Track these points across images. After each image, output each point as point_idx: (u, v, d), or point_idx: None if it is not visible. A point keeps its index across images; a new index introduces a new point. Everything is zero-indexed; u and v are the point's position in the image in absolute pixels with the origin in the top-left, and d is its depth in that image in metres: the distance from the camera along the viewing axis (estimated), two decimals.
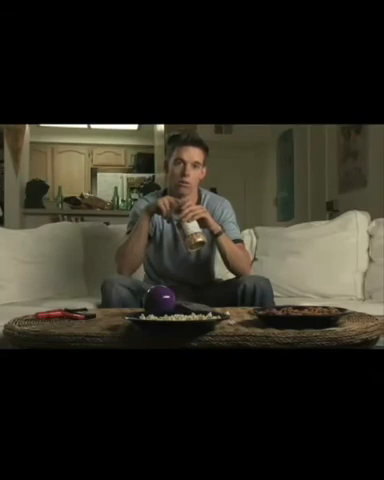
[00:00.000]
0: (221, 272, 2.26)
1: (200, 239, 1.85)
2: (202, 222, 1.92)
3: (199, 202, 2.15)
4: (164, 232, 2.14)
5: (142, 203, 2.17)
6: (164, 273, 2.16)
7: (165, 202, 1.95)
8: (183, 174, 2.04)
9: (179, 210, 1.90)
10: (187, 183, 2.05)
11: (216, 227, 1.99)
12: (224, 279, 2.24)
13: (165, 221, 2.10)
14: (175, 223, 2.03)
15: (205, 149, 2.09)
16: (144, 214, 2.02)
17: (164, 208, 1.94)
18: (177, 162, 2.05)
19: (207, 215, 1.95)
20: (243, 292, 1.89)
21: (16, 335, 1.21)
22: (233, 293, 1.91)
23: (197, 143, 2.07)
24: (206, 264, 2.20)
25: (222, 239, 2.01)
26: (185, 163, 2.04)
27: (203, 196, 2.19)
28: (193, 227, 1.87)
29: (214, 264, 2.23)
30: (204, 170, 2.13)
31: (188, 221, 1.87)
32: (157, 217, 2.07)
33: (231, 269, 2.08)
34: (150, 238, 2.11)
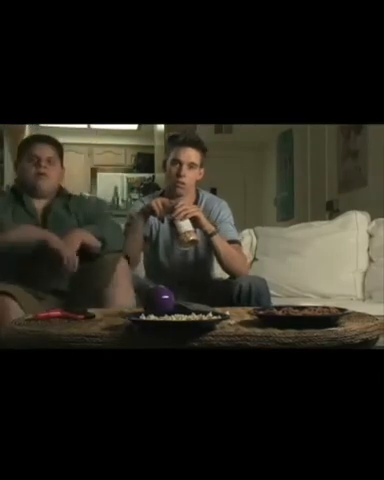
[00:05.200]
0: (220, 272, 2.26)
1: (192, 237, 1.89)
2: (195, 221, 1.94)
3: (196, 203, 2.17)
4: (160, 231, 2.17)
5: (138, 205, 2.21)
6: (162, 271, 2.17)
7: (158, 203, 1.99)
8: (179, 175, 2.06)
9: (172, 209, 1.92)
10: (183, 184, 2.07)
11: (209, 227, 2.01)
12: (223, 279, 2.24)
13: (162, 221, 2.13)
14: (169, 222, 2.06)
15: (202, 150, 2.11)
16: (139, 216, 2.06)
17: (157, 209, 1.98)
18: (174, 163, 2.08)
19: (200, 214, 1.98)
20: (239, 292, 1.91)
21: (16, 335, 1.21)
22: (229, 293, 1.92)
23: (194, 144, 2.09)
24: (203, 264, 2.21)
25: (216, 239, 2.03)
26: (181, 164, 2.07)
27: (201, 197, 2.21)
28: (186, 225, 1.91)
29: (212, 264, 2.24)
30: (202, 171, 2.15)
31: (181, 219, 1.90)
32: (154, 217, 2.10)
33: (226, 270, 2.10)
34: (146, 238, 2.13)
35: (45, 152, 1.97)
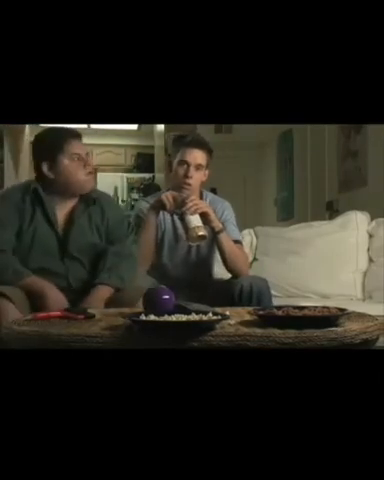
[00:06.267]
0: (220, 272, 2.26)
1: (201, 233, 1.90)
2: (204, 217, 1.95)
3: None
4: (165, 231, 2.17)
5: (142, 205, 2.20)
6: (164, 272, 2.17)
7: (168, 196, 2.00)
8: (186, 176, 2.07)
9: (183, 203, 1.93)
10: (189, 185, 2.08)
11: (217, 224, 2.02)
12: (223, 279, 2.25)
13: (167, 220, 2.14)
14: (177, 217, 2.07)
15: (209, 151, 2.12)
16: (150, 212, 2.06)
17: (167, 202, 1.98)
18: (180, 163, 2.09)
19: (210, 210, 2.00)
20: (240, 292, 1.92)
21: (16, 335, 1.21)
22: (230, 293, 1.93)
23: (201, 145, 2.10)
24: (205, 263, 2.21)
25: (222, 237, 2.04)
26: (188, 165, 2.07)
27: (204, 197, 2.22)
28: (196, 220, 1.92)
29: (213, 264, 2.25)
30: (207, 172, 2.16)
31: (191, 214, 1.91)
32: (159, 216, 2.10)
33: (229, 269, 2.10)
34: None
35: (84, 149, 1.87)
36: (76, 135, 1.92)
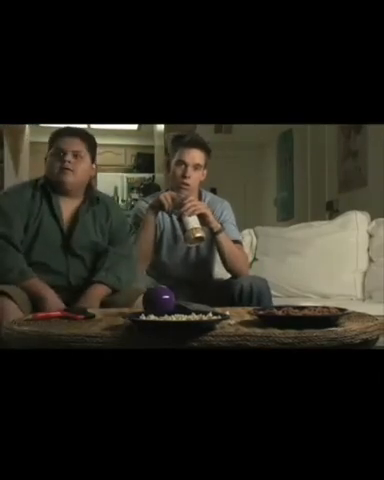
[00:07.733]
0: (220, 272, 2.27)
1: (199, 234, 1.89)
2: (202, 218, 1.95)
3: None
4: (164, 230, 2.17)
5: (141, 204, 2.21)
6: (163, 271, 2.17)
7: (167, 197, 2.00)
8: (184, 176, 2.07)
9: (181, 205, 1.93)
10: (187, 184, 2.08)
11: (216, 225, 2.02)
12: (223, 279, 2.25)
13: (166, 220, 2.14)
14: (176, 217, 2.07)
15: (207, 151, 2.12)
16: (149, 211, 2.06)
17: (166, 203, 1.98)
18: (179, 163, 2.09)
19: (208, 212, 2.00)
20: (240, 292, 1.92)
21: (16, 335, 1.21)
22: (230, 293, 1.93)
23: (199, 145, 2.10)
24: (205, 263, 2.21)
25: (221, 237, 2.04)
26: (186, 165, 2.07)
27: (203, 197, 2.22)
28: (193, 222, 1.91)
29: (213, 264, 2.25)
30: (205, 172, 2.15)
31: (189, 215, 1.91)
32: (158, 215, 2.09)
33: (229, 269, 2.10)
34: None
35: (71, 145, 1.87)
36: (73, 132, 1.93)
